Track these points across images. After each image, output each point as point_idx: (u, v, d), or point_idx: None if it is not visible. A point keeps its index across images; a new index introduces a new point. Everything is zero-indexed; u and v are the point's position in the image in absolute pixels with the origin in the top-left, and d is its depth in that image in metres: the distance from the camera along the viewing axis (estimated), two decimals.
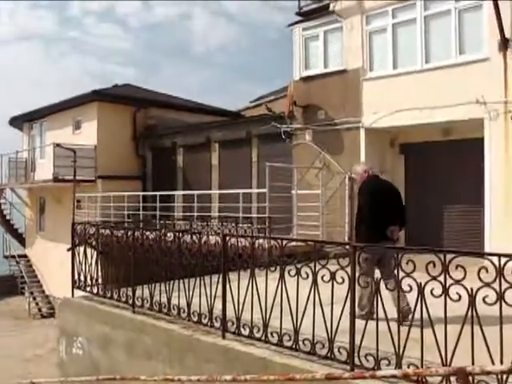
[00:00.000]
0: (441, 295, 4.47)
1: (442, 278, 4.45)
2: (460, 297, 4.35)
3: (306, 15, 16.87)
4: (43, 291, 25.56)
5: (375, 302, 4.98)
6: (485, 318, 4.29)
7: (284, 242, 5.73)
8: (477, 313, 4.31)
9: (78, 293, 9.23)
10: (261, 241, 6.27)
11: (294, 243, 5.94)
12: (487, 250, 12.05)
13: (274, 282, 5.66)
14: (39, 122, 27.45)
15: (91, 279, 8.99)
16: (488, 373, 3.59)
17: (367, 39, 15.17)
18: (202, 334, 6.54)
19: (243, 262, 6.25)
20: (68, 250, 9.52)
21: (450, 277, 4.41)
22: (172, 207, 19.54)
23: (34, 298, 25.15)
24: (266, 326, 5.83)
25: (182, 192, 20.35)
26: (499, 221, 12.41)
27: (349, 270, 5.08)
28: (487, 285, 4.20)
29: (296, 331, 5.50)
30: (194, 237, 7.00)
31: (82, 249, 9.20)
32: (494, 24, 12.13)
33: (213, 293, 6.51)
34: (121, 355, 7.74)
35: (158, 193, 19.60)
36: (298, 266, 5.54)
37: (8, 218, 28.46)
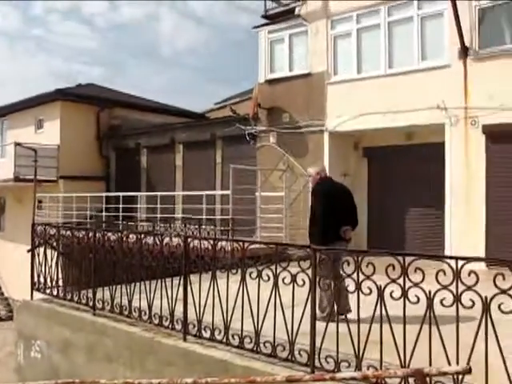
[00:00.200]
0: (400, 298, 4.53)
1: (401, 281, 4.52)
2: (418, 299, 4.41)
3: (271, 18, 16.95)
4: (2, 293, 25.06)
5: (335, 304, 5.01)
6: (442, 319, 4.36)
7: (245, 245, 5.73)
8: (434, 315, 4.38)
9: (38, 295, 9.09)
10: (223, 243, 6.26)
11: (256, 245, 5.93)
12: (448, 252, 12.25)
13: (236, 284, 5.66)
14: (0, 121, 26.94)
15: (51, 281, 8.86)
16: (444, 374, 3.66)
17: (332, 43, 15.29)
18: (163, 336, 6.50)
19: (205, 264, 6.24)
20: (28, 251, 9.36)
21: (409, 279, 4.48)
22: (135, 208, 19.36)
23: None
24: (227, 328, 5.83)
25: (146, 193, 20.21)
26: (459, 224, 12.64)
27: (310, 272, 5.11)
28: (445, 287, 4.27)
29: (257, 333, 5.51)
30: (156, 238, 6.95)
31: (42, 250, 9.06)
32: (455, 32, 12.41)
33: (174, 295, 6.48)
34: (81, 358, 7.65)
35: (121, 194, 19.41)
36: (260, 268, 5.56)
37: None
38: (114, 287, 7.51)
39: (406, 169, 14.59)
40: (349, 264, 4.86)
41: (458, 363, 4.10)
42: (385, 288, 4.59)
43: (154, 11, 77.58)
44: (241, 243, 5.80)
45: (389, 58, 14.16)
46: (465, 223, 12.56)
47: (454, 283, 4.22)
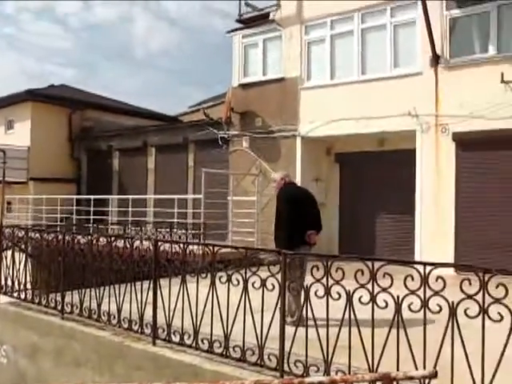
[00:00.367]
0: (368, 302, 4.56)
1: (370, 286, 4.55)
2: (387, 304, 4.45)
3: (246, 23, 16.95)
4: None
5: (305, 309, 5.02)
6: (411, 324, 4.40)
7: (215, 249, 5.72)
8: (402, 319, 4.42)
9: (5, 299, 8.94)
10: (193, 247, 6.24)
11: (226, 250, 5.92)
12: (417, 258, 12.40)
13: (206, 288, 5.64)
14: None
15: (19, 284, 8.71)
16: (411, 378, 3.68)
17: (306, 49, 15.37)
18: (132, 340, 6.45)
19: (175, 268, 6.21)
20: None
21: (378, 285, 4.51)
22: (107, 211, 19.21)
23: None
24: (196, 332, 5.80)
25: (117, 196, 20.07)
26: (429, 229, 12.79)
27: (280, 276, 5.12)
28: (412, 292, 4.31)
29: (226, 338, 5.50)
30: (126, 242, 6.90)
31: (10, 253, 8.92)
32: (427, 40, 12.60)
33: (144, 299, 6.44)
34: (48, 363, 7.54)
35: (92, 196, 19.25)
36: (230, 272, 5.55)
37: None
38: (83, 291, 7.43)
39: (377, 175, 14.72)
40: (318, 269, 4.88)
41: (424, 367, 4.14)
42: (354, 293, 4.62)
43: (127, 12, 77.17)
44: (211, 247, 5.79)
45: (362, 64, 14.28)
46: (434, 229, 12.72)
47: (422, 288, 4.27)
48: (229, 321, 5.45)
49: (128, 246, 6.81)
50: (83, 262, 7.59)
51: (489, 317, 3.99)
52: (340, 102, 14.23)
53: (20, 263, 8.75)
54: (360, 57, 14.30)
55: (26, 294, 8.56)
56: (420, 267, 4.33)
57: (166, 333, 6.14)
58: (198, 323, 5.77)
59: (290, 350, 4.98)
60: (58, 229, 10.20)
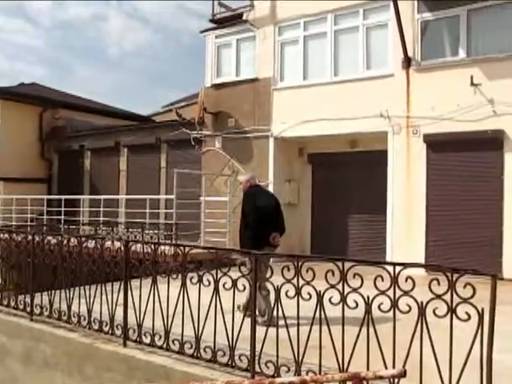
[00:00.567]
0: (339, 303, 4.58)
1: (340, 286, 4.57)
2: (357, 304, 4.47)
3: (219, 23, 16.93)
4: None
5: (275, 309, 5.02)
6: (381, 323, 4.44)
7: (186, 249, 5.70)
8: (373, 320, 4.45)
9: None
10: (164, 247, 6.21)
11: (198, 250, 5.90)
12: (389, 258, 12.51)
13: (177, 289, 5.62)
14: None
15: None
16: (381, 377, 3.71)
17: (279, 49, 15.41)
18: (102, 342, 6.40)
19: (146, 268, 6.17)
20: None
21: (348, 285, 4.54)
22: (78, 212, 18.99)
23: None
24: (167, 333, 5.78)
25: (88, 196, 19.84)
26: (400, 230, 12.92)
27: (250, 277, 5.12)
28: (382, 293, 4.34)
29: (197, 339, 5.48)
30: (97, 242, 6.84)
31: None
32: (399, 43, 12.72)
33: (114, 300, 6.39)
34: (18, 366, 7.44)
35: (63, 196, 19.01)
36: (201, 273, 5.54)
37: None
38: (53, 292, 7.35)
39: (350, 175, 14.82)
40: (289, 269, 4.89)
41: (394, 367, 4.18)
42: (324, 293, 4.64)
43: (100, 11, 76.45)
44: (182, 248, 5.76)
45: (334, 65, 14.37)
46: (405, 229, 12.86)
47: (392, 289, 4.30)
48: (200, 322, 5.43)
49: (99, 246, 6.75)
50: (53, 263, 7.51)
51: (457, 316, 4.04)
52: (313, 102, 14.29)
53: None
54: (333, 58, 14.39)
55: None
56: (390, 267, 4.37)
57: (136, 334, 6.11)
58: (169, 324, 5.75)
59: (261, 351, 4.99)
60: (28, 229, 10.07)
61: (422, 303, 4.19)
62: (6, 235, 8.46)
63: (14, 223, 18.52)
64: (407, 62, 12.94)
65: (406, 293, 4.24)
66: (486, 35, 12.31)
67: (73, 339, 6.67)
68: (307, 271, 4.75)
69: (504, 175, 11.74)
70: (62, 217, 18.19)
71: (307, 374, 4.64)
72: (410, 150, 12.93)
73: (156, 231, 13.19)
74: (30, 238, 7.85)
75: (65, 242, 7.41)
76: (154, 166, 19.01)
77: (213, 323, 5.32)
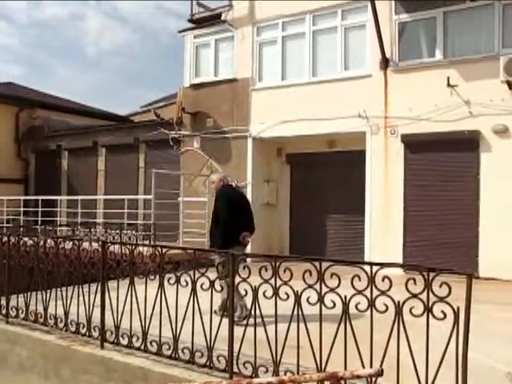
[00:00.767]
0: (316, 303, 4.59)
1: (318, 286, 4.58)
2: (334, 304, 4.49)
3: (198, 23, 16.88)
4: None
5: (253, 310, 5.01)
6: (358, 323, 4.45)
7: (164, 250, 5.68)
8: (350, 319, 4.46)
9: None
10: (141, 248, 6.18)
11: (176, 251, 5.87)
12: (367, 258, 12.59)
13: (155, 290, 5.59)
14: None
15: None
16: (358, 376, 3.72)
17: (257, 50, 15.42)
18: (79, 344, 6.34)
19: (123, 269, 6.14)
20: None
21: (326, 285, 4.55)
22: (55, 212, 18.82)
23: None
24: (145, 334, 5.74)
25: (66, 197, 19.68)
26: (378, 230, 13.00)
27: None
28: (359, 292, 4.36)
29: (175, 340, 5.46)
30: (74, 243, 6.77)
31: None
32: (376, 43, 12.81)
33: (92, 301, 6.33)
34: None
35: (40, 197, 18.83)
36: (178, 274, 5.52)
37: None
38: (29, 294, 7.27)
39: (328, 175, 14.87)
40: (267, 270, 4.89)
41: (371, 366, 4.20)
42: (302, 293, 4.65)
43: (78, 10, 75.78)
44: (159, 248, 5.74)
45: (313, 66, 14.42)
46: (383, 228, 12.94)
47: (369, 288, 4.32)
48: (178, 322, 5.42)
49: (76, 247, 6.69)
50: (29, 264, 7.43)
51: (433, 315, 4.06)
52: (291, 103, 14.32)
53: None
54: (311, 58, 14.44)
55: None
56: (367, 267, 4.39)
57: (114, 336, 6.06)
58: (147, 325, 5.71)
59: (239, 351, 4.98)
60: (4, 230, 9.96)
61: (398, 302, 4.20)
62: None
63: None
64: (385, 62, 13.03)
65: (383, 292, 4.26)
66: (462, 37, 12.44)
67: (49, 341, 6.60)
68: (285, 271, 4.75)
69: (480, 175, 11.87)
70: (39, 218, 18.03)
71: (285, 374, 4.65)
72: (388, 151, 13.01)
73: (134, 232, 13.11)
74: (5, 239, 7.75)
75: (41, 243, 7.35)
76: (132, 166, 18.90)
77: (191, 324, 5.31)
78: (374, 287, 4.31)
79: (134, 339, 5.85)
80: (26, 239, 7.66)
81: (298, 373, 4.61)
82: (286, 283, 4.74)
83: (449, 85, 12.03)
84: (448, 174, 12.28)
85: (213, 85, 16.16)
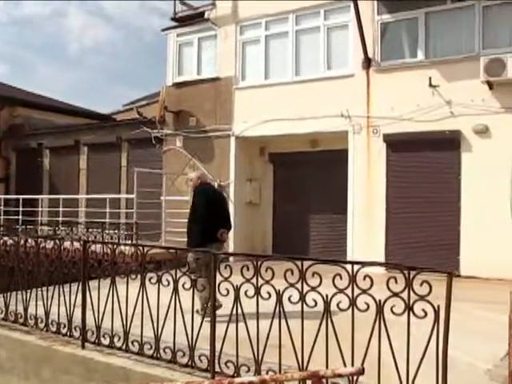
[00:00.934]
0: (298, 302, 4.60)
1: (299, 285, 4.59)
2: (316, 303, 4.50)
3: (181, 21, 16.84)
4: None
5: (235, 309, 5.01)
6: (340, 322, 4.46)
7: (146, 249, 5.65)
8: (331, 318, 4.48)
9: None
10: (123, 248, 6.15)
11: (157, 250, 5.85)
12: (349, 257, 12.60)
13: (136, 289, 5.57)
14: None
15: None
16: (339, 375, 3.73)
17: (240, 49, 15.40)
18: (60, 344, 6.30)
19: (104, 269, 6.10)
20: None
21: (307, 284, 4.56)
22: (37, 211, 18.67)
23: None
24: (126, 334, 5.72)
25: (48, 196, 19.52)
26: (360, 229, 13.04)
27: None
28: (341, 291, 4.37)
29: (157, 339, 5.44)
30: (55, 243, 6.72)
31: None
32: (359, 43, 12.85)
33: (72, 301, 6.29)
34: None
35: (21, 196, 18.67)
36: (160, 273, 5.50)
37: None
38: (8, 294, 7.20)
39: (311, 175, 14.89)
40: (248, 269, 4.88)
41: (352, 364, 4.22)
42: (283, 292, 4.65)
43: (60, 7, 75.13)
44: (141, 248, 5.71)
45: (296, 65, 14.43)
46: (366, 228, 12.98)
47: (350, 287, 4.34)
48: (159, 322, 5.40)
49: (57, 247, 6.64)
50: (9, 264, 7.36)
51: (414, 313, 4.09)
52: (274, 102, 14.32)
53: None
54: (294, 58, 14.45)
55: None
56: (348, 266, 4.40)
57: (95, 335, 6.03)
58: (129, 325, 5.70)
59: (221, 351, 4.98)
60: None
61: (380, 301, 4.23)
62: None
63: None
64: (367, 62, 13.08)
65: (364, 291, 4.28)
66: (444, 37, 12.52)
67: (29, 342, 6.55)
68: (266, 270, 4.75)
69: (461, 175, 11.96)
70: (20, 217, 17.86)
71: (267, 373, 4.65)
72: (371, 150, 13.07)
73: (116, 231, 13.04)
74: None
75: (22, 242, 7.29)
76: (114, 164, 18.78)
77: (173, 323, 5.30)
78: (355, 286, 4.33)
79: (116, 339, 5.83)
80: (6, 238, 7.60)
81: (279, 372, 4.62)
82: (267, 282, 4.74)
83: (430, 85, 12.10)
84: (429, 174, 12.35)
85: (196, 83, 16.12)
